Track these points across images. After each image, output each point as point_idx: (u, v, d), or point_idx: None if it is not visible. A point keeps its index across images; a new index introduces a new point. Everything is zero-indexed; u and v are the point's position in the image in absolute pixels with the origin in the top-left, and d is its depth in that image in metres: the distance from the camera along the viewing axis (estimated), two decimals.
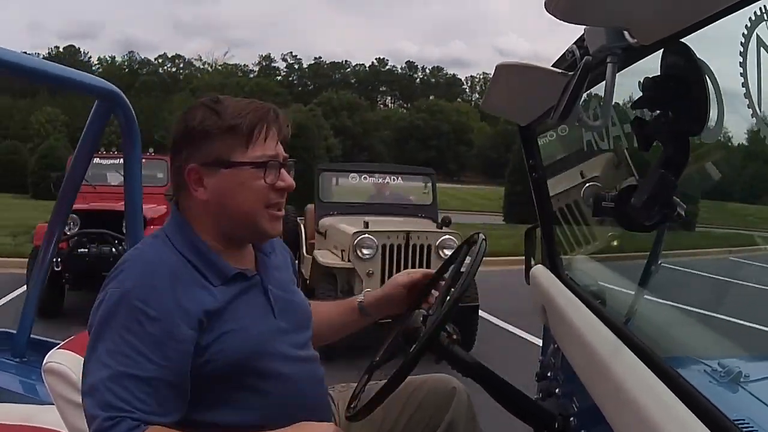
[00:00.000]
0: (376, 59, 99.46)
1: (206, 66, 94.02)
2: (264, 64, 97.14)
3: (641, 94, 0.95)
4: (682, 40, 0.84)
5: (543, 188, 1.92)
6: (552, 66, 1.33)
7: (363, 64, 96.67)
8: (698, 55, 0.86)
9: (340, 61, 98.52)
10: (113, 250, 5.50)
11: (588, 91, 1.15)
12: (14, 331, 2.18)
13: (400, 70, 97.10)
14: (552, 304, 1.64)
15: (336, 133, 61.91)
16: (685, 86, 0.87)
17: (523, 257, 2.03)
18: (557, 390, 1.58)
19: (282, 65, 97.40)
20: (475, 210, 24.60)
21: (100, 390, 1.08)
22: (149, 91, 71.59)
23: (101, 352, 1.12)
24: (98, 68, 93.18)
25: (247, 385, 1.23)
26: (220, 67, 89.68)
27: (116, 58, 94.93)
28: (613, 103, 1.02)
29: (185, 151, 1.25)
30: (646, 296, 1.55)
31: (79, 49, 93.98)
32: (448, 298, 1.31)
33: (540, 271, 1.97)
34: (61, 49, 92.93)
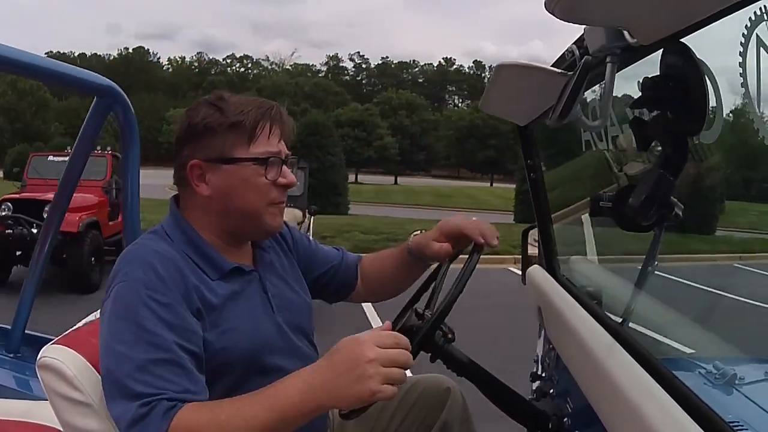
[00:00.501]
0: (443, 59, 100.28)
1: (273, 66, 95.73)
2: (332, 64, 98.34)
3: (640, 94, 0.96)
4: (682, 40, 0.84)
5: (541, 188, 1.92)
6: (551, 66, 1.33)
7: (431, 64, 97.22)
8: (698, 55, 0.86)
9: (408, 60, 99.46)
10: (25, 231, 6.75)
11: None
12: (8, 327, 2.18)
13: (467, 69, 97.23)
14: (548, 305, 1.64)
15: (394, 132, 62.69)
16: (684, 86, 0.87)
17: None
18: (551, 390, 1.59)
19: (350, 65, 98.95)
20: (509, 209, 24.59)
21: (127, 383, 1.07)
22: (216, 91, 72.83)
23: (119, 347, 1.10)
24: (168, 68, 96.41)
25: (250, 381, 1.22)
26: (289, 68, 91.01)
27: (186, 59, 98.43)
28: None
29: (187, 148, 1.25)
30: (642, 297, 1.55)
31: (148, 50, 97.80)
32: (446, 297, 1.31)
33: (536, 271, 1.97)
34: (130, 50, 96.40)
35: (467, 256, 1.39)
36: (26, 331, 2.16)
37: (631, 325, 1.44)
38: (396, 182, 57.76)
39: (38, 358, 1.31)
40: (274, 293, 1.34)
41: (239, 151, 1.23)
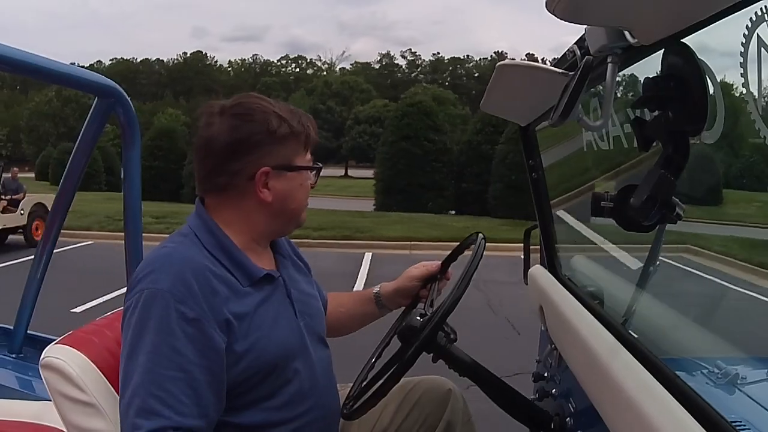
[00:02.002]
0: (495, 52, 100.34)
1: (325, 65, 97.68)
2: (384, 62, 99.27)
3: (642, 94, 0.96)
4: (683, 40, 0.84)
5: (542, 188, 1.92)
6: (552, 66, 1.33)
7: (486, 58, 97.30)
8: (698, 56, 0.86)
9: (461, 56, 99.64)
10: None
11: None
12: (11, 327, 2.18)
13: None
14: (550, 305, 1.64)
15: None
16: (685, 86, 0.87)
17: None
18: (554, 390, 1.59)
19: (402, 62, 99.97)
20: None
21: (143, 396, 1.09)
22: (270, 92, 75.01)
23: (141, 356, 1.11)
24: (229, 69, 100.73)
25: (276, 385, 1.25)
26: (349, 67, 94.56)
27: (246, 60, 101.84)
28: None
29: (253, 155, 1.25)
30: (644, 297, 1.55)
31: (205, 54, 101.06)
32: (447, 297, 1.31)
33: (538, 271, 1.97)
34: (188, 54, 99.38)
35: (469, 258, 1.39)
36: (29, 332, 2.16)
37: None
38: None
39: (41, 358, 1.31)
40: (296, 298, 1.36)
41: (299, 159, 1.31)
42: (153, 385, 1.09)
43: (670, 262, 1.63)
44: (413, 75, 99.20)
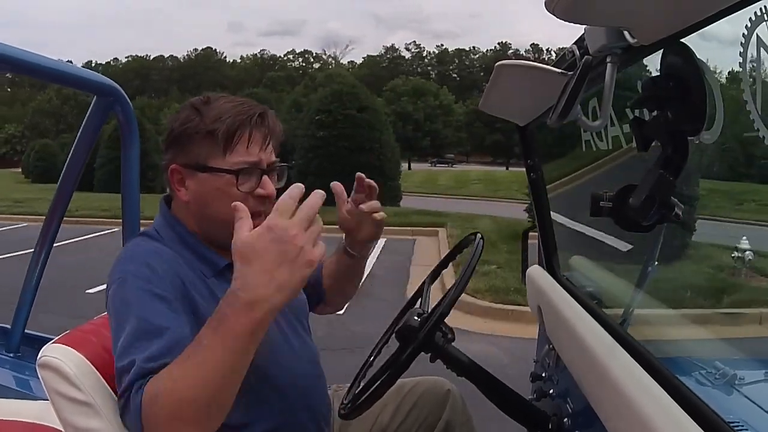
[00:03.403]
0: (498, 44, 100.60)
1: (331, 60, 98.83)
2: (390, 56, 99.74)
3: (641, 94, 0.96)
4: (682, 40, 0.84)
5: (541, 189, 1.92)
6: (552, 66, 1.33)
7: (491, 49, 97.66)
8: (698, 56, 0.86)
9: (466, 48, 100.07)
10: None
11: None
12: (8, 326, 2.18)
13: (524, 54, 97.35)
14: (548, 305, 1.64)
15: (400, 119, 63.25)
16: (684, 86, 0.87)
17: None
18: (551, 391, 1.59)
19: (407, 55, 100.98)
20: None
21: (120, 363, 1.05)
22: (275, 87, 75.68)
23: (122, 337, 1.08)
24: (241, 63, 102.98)
25: (256, 382, 1.21)
26: (360, 61, 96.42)
27: (257, 55, 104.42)
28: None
29: (170, 152, 1.25)
30: (642, 297, 1.55)
31: (215, 50, 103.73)
32: (445, 297, 1.31)
33: (536, 271, 1.97)
34: (199, 50, 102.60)
35: (468, 258, 1.39)
36: (26, 331, 2.16)
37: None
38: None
39: (39, 357, 1.31)
40: None
41: (214, 161, 1.20)
42: (125, 347, 1.05)
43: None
44: (418, 67, 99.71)
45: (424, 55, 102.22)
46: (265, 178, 1.24)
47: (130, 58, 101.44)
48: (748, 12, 0.71)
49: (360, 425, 1.50)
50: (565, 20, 0.84)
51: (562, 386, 1.54)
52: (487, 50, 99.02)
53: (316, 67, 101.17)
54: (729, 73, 0.86)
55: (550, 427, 1.42)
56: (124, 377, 1.02)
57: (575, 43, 1.14)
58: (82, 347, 1.33)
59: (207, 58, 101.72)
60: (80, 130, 2.00)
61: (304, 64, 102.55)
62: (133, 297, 1.11)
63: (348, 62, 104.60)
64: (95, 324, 1.48)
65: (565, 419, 1.41)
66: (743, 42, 0.74)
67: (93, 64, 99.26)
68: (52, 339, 1.37)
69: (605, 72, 0.97)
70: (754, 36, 0.73)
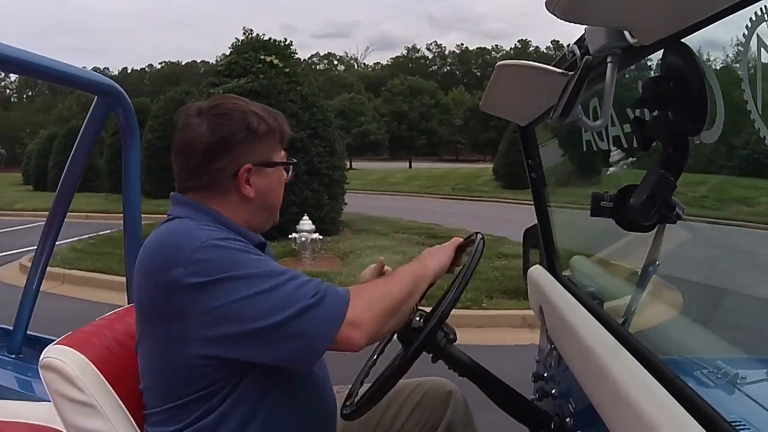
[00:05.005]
0: (518, 41, 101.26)
1: (352, 62, 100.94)
2: (411, 56, 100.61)
3: (642, 94, 0.96)
4: (683, 40, 0.84)
5: (542, 188, 1.92)
6: (552, 66, 1.33)
7: (513, 48, 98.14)
8: (698, 56, 0.86)
9: (488, 46, 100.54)
10: None
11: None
12: (11, 327, 2.18)
13: (544, 50, 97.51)
14: (549, 305, 1.64)
15: (395, 118, 63.72)
16: (685, 86, 0.87)
17: None
18: (553, 390, 1.58)
19: (429, 55, 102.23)
20: None
21: (289, 288, 1.14)
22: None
23: (243, 295, 1.12)
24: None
25: (276, 383, 1.24)
26: (385, 62, 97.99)
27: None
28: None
29: (235, 152, 1.28)
30: (643, 297, 1.55)
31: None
32: (446, 297, 1.31)
33: (538, 271, 1.97)
34: (228, 55, 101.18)
35: (469, 258, 1.39)
36: (28, 332, 2.16)
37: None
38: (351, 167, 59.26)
39: (41, 358, 1.31)
40: None
41: (276, 155, 1.36)
42: (287, 273, 1.16)
43: None
44: (439, 67, 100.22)
45: (446, 54, 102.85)
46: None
47: (163, 64, 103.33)
48: (749, 12, 0.71)
49: (362, 426, 1.50)
50: (565, 20, 0.84)
51: (564, 386, 1.54)
52: (511, 48, 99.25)
53: (341, 69, 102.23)
54: (729, 73, 0.86)
55: (552, 426, 1.42)
56: (310, 280, 1.18)
57: (576, 43, 1.14)
58: (84, 348, 1.33)
59: (236, 63, 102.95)
60: (81, 131, 2.00)
61: (328, 66, 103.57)
62: (232, 257, 1.16)
63: (374, 63, 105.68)
64: (97, 325, 1.48)
65: (567, 419, 1.41)
66: (743, 42, 0.74)
67: (129, 71, 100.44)
68: (55, 340, 1.38)
69: (606, 72, 0.97)
70: (754, 36, 0.73)
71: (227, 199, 1.30)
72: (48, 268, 2.20)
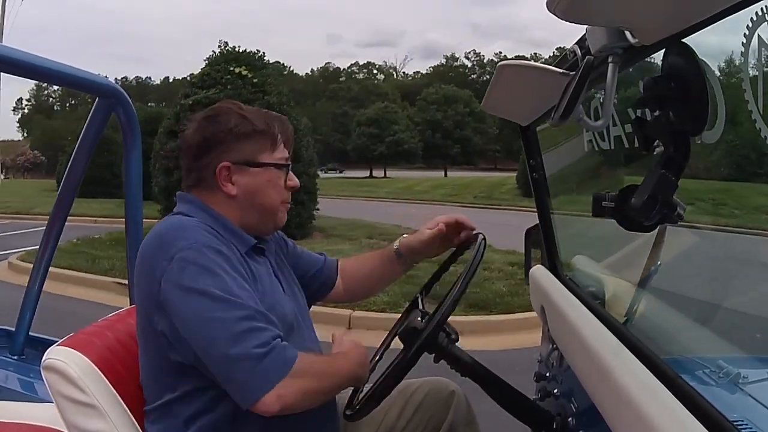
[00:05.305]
0: (556, 48, 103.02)
1: (391, 71, 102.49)
2: (450, 64, 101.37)
3: (642, 94, 0.96)
4: (684, 40, 0.84)
5: (543, 188, 1.92)
6: (553, 66, 1.33)
7: (551, 55, 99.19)
8: (699, 56, 0.86)
9: (527, 54, 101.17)
10: None
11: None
12: (12, 329, 2.18)
13: None
14: (551, 305, 1.64)
15: (429, 127, 64.53)
16: (685, 86, 0.87)
17: None
18: (555, 390, 1.58)
19: (468, 64, 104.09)
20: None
21: (230, 343, 1.12)
22: (337, 97, 77.72)
23: (210, 314, 1.15)
24: (304, 76, 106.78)
25: None
26: (425, 71, 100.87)
27: (325, 67, 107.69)
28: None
29: (216, 151, 1.35)
30: (645, 297, 1.55)
31: (283, 64, 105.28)
32: (448, 297, 1.31)
33: (539, 271, 1.97)
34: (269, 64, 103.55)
35: (470, 258, 1.39)
36: (30, 334, 2.16)
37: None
38: (380, 176, 58.89)
39: (43, 359, 1.32)
40: (280, 277, 1.43)
41: (265, 156, 1.37)
42: (238, 331, 1.13)
43: None
44: (478, 76, 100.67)
45: (484, 62, 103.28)
46: (291, 173, 1.44)
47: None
48: (750, 12, 0.71)
49: (365, 426, 1.50)
50: (565, 20, 0.84)
51: (566, 386, 1.54)
52: (550, 56, 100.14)
53: (381, 78, 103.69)
54: (730, 72, 0.86)
55: (554, 426, 1.42)
56: (264, 328, 1.16)
57: (577, 43, 1.14)
58: (87, 350, 1.34)
59: (276, 71, 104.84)
60: (82, 133, 2.00)
61: (367, 75, 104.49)
62: (209, 268, 1.19)
63: (413, 72, 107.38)
64: (99, 326, 1.48)
65: (570, 419, 1.41)
66: (743, 42, 0.74)
67: (171, 80, 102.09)
68: (57, 341, 1.38)
69: (607, 72, 0.97)
70: (755, 36, 0.73)
71: (215, 196, 1.36)
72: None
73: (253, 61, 11.14)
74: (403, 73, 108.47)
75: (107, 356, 1.37)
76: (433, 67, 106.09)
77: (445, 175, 56.39)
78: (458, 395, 1.55)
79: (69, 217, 2.15)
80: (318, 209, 11.26)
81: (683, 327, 1.38)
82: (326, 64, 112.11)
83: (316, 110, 77.77)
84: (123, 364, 1.38)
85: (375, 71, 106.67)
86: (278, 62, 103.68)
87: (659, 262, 1.45)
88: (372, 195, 28.94)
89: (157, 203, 10.41)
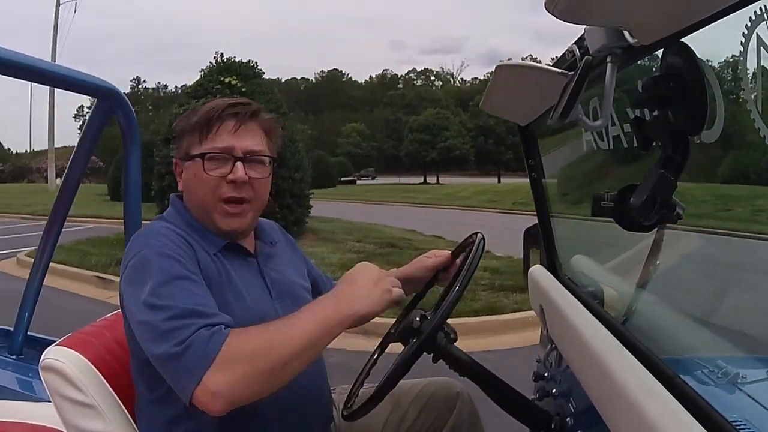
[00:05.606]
0: None
1: (448, 77, 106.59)
2: None
3: (641, 93, 0.96)
4: (683, 39, 0.84)
5: (542, 188, 1.92)
6: (552, 66, 1.33)
7: None
8: (698, 55, 0.86)
9: None
10: None
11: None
12: (11, 328, 2.18)
13: None
14: (550, 304, 1.64)
15: (482, 133, 65.03)
16: (685, 86, 0.87)
17: None
18: (554, 390, 1.58)
19: None
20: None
21: (161, 327, 1.07)
22: (394, 104, 78.95)
23: (135, 317, 1.13)
24: (363, 83, 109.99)
25: None
26: (482, 77, 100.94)
27: (384, 74, 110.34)
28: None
29: (173, 148, 1.40)
30: (644, 297, 1.55)
31: (341, 72, 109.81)
32: (446, 297, 1.31)
33: (538, 271, 1.97)
34: (326, 72, 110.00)
35: (469, 258, 1.39)
36: (28, 333, 2.16)
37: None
38: (432, 182, 59.54)
39: (41, 359, 1.32)
40: (274, 279, 1.37)
41: (194, 149, 1.32)
42: (171, 309, 1.08)
43: None
44: None
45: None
46: (238, 164, 1.29)
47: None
48: (748, 12, 0.71)
49: (369, 427, 1.50)
50: (564, 20, 0.84)
51: (565, 386, 1.54)
52: None
53: (438, 84, 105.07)
54: (729, 73, 0.86)
55: (552, 426, 1.42)
56: (186, 324, 1.06)
57: (575, 43, 1.14)
58: (85, 350, 1.34)
59: (333, 79, 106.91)
60: (81, 134, 2.00)
61: (425, 82, 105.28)
62: (155, 261, 1.16)
63: (471, 78, 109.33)
64: (97, 326, 1.48)
65: (568, 419, 1.41)
66: (743, 42, 0.74)
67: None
68: (55, 341, 1.38)
69: (606, 72, 0.97)
70: (755, 36, 0.73)
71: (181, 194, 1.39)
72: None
73: (244, 71, 11.38)
74: (461, 79, 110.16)
75: (105, 356, 1.37)
76: (490, 73, 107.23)
77: (499, 181, 56.41)
78: (463, 397, 1.55)
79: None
80: (308, 214, 11.43)
81: (682, 327, 1.38)
82: (384, 71, 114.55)
83: (374, 117, 79.50)
84: (121, 363, 1.37)
85: (432, 77, 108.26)
86: (336, 69, 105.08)
87: (658, 262, 1.45)
88: (414, 201, 29.04)
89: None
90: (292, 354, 1.06)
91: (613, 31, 0.92)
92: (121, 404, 1.32)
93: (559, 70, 1.27)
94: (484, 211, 23.28)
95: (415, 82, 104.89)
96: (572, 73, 1.05)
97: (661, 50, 0.94)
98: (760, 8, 0.70)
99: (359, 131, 76.93)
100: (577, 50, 1.13)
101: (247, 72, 11.39)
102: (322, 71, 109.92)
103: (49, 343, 1.42)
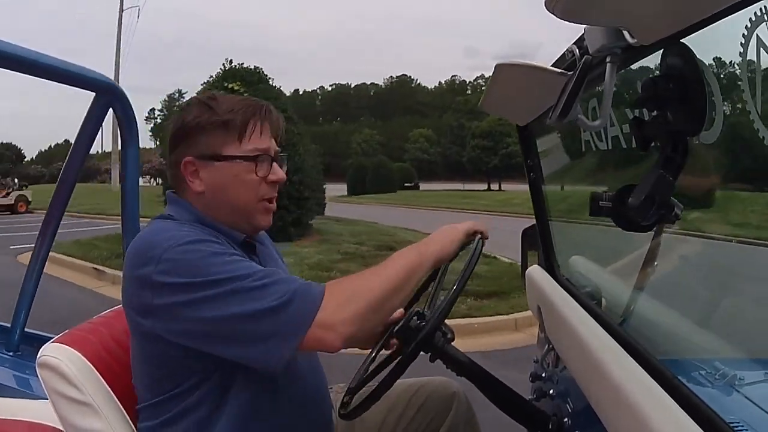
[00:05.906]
0: None
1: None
2: None
3: (641, 94, 0.96)
4: (682, 40, 0.84)
5: (540, 189, 1.92)
6: (551, 66, 1.33)
7: None
8: (698, 56, 0.86)
9: (650, 66, 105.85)
10: None
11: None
12: (8, 325, 2.17)
13: None
14: (548, 305, 1.64)
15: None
16: (684, 86, 0.87)
17: None
18: (551, 391, 1.58)
19: None
20: None
21: (252, 285, 1.08)
22: (462, 110, 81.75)
23: (213, 282, 1.09)
24: (432, 89, 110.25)
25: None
26: None
27: (442, 83, 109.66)
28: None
29: (181, 145, 1.28)
30: (641, 298, 1.54)
31: (410, 77, 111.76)
32: (445, 297, 1.31)
33: (536, 271, 1.97)
34: (395, 77, 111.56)
35: (467, 259, 1.39)
36: (26, 330, 2.16)
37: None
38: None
39: (38, 356, 1.31)
40: None
41: (230, 149, 1.26)
42: (251, 274, 1.10)
43: None
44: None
45: None
46: (275, 164, 1.31)
47: (333, 86, 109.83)
48: (748, 12, 0.71)
49: (366, 426, 1.50)
50: (564, 20, 0.84)
51: (562, 386, 1.54)
52: None
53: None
54: (729, 73, 0.86)
55: (550, 427, 1.42)
56: (277, 280, 1.12)
57: (575, 43, 1.14)
58: (82, 347, 1.33)
59: (402, 85, 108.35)
60: (79, 128, 1.99)
61: (455, 88, 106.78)
62: (204, 261, 1.12)
63: None
64: (95, 323, 1.48)
65: (565, 419, 1.41)
66: (743, 42, 0.74)
67: (301, 92, 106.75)
68: (52, 338, 1.37)
69: (605, 72, 0.97)
70: (754, 36, 0.73)
71: (186, 192, 1.30)
72: None
73: (248, 76, 11.58)
74: None
75: (102, 353, 1.36)
76: None
77: (562, 189, 56.76)
78: (460, 397, 1.54)
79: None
80: (317, 214, 11.54)
81: (679, 328, 1.38)
82: (452, 77, 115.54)
83: (442, 123, 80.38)
84: (118, 361, 1.37)
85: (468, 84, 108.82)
86: (404, 75, 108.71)
87: (656, 263, 1.45)
88: (469, 207, 29.22)
89: None
90: (386, 293, 1.16)
91: (613, 31, 0.92)
92: (118, 401, 1.32)
93: (559, 70, 1.27)
94: (511, 216, 23.35)
95: (483, 87, 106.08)
96: (571, 73, 1.05)
97: (661, 50, 0.94)
98: (760, 9, 0.70)
99: (426, 137, 77.60)
100: (577, 50, 1.12)
101: (252, 78, 11.58)
102: (391, 77, 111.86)
103: (46, 339, 1.42)
